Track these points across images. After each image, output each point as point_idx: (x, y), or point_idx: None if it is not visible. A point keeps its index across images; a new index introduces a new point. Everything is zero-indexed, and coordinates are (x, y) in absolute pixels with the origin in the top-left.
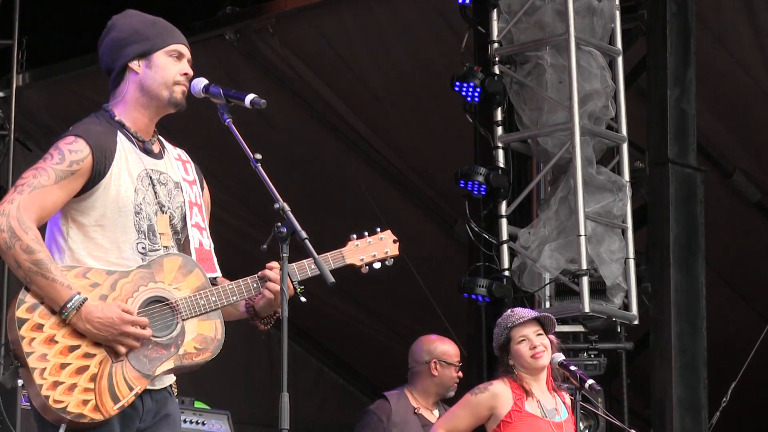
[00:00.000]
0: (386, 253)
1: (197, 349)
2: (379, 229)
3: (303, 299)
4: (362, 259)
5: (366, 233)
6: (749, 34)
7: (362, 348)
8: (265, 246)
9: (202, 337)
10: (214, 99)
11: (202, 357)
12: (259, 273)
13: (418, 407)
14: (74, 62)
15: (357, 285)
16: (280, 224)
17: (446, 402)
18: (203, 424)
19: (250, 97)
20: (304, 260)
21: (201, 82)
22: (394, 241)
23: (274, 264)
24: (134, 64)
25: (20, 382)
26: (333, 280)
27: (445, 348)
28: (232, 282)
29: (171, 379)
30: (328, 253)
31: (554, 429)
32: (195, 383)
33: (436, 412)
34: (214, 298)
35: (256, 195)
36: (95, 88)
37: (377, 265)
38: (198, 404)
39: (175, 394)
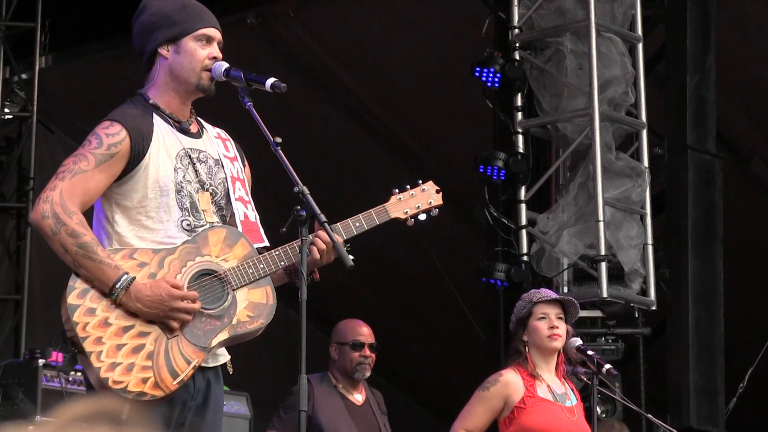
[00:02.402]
0: (430, 203)
1: (250, 317)
2: (420, 181)
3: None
4: (406, 212)
5: (408, 186)
6: None
7: (378, 331)
8: (284, 229)
9: (253, 304)
10: (234, 82)
11: (256, 324)
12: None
13: (339, 386)
14: (96, 45)
15: (374, 268)
16: (299, 207)
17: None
18: (223, 405)
19: (270, 80)
20: (349, 219)
21: (222, 66)
22: (437, 191)
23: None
24: (163, 50)
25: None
26: (352, 263)
27: (341, 329)
28: (279, 248)
29: (225, 357)
30: (371, 209)
31: (566, 413)
32: None
33: (358, 396)
34: (262, 266)
35: (275, 178)
36: (117, 71)
37: (422, 217)
38: None
39: (231, 372)
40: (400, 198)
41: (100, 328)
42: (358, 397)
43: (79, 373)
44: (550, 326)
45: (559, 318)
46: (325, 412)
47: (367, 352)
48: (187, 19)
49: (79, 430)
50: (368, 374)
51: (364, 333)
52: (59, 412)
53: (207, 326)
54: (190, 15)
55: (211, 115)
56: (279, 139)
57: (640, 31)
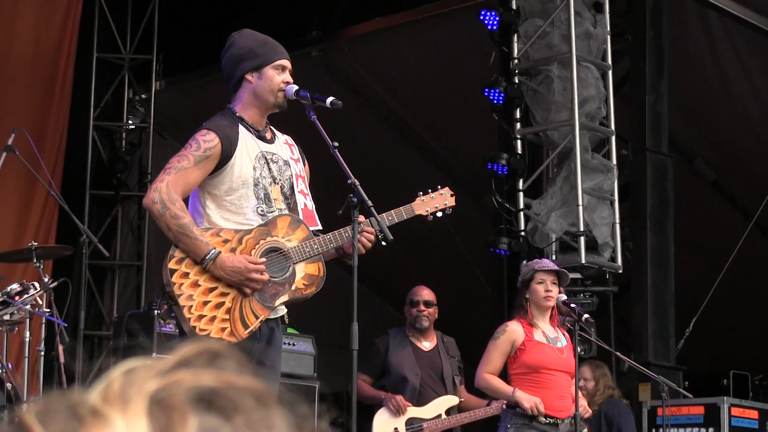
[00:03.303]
0: (445, 204)
1: (305, 285)
2: (439, 186)
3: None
4: (427, 210)
5: (429, 190)
6: (708, 54)
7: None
8: (340, 212)
9: (308, 275)
10: (302, 100)
11: (309, 290)
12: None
13: (410, 336)
14: (198, 73)
15: (408, 241)
16: (352, 195)
17: (425, 331)
18: (293, 345)
19: (330, 99)
20: (384, 213)
21: (293, 88)
22: (451, 195)
23: (363, 218)
24: (249, 76)
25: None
26: (392, 237)
27: (410, 293)
28: (329, 233)
29: (284, 310)
30: (401, 207)
31: (557, 352)
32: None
33: (426, 344)
34: (316, 246)
35: (332, 172)
36: (214, 92)
37: (439, 214)
38: (290, 330)
39: (287, 321)
40: (423, 199)
41: (192, 288)
42: (425, 344)
43: None
44: (546, 290)
45: (554, 283)
46: (396, 356)
47: (422, 307)
48: (268, 53)
49: (183, 370)
50: (426, 324)
51: (419, 293)
52: (169, 353)
53: (272, 290)
54: (270, 49)
55: (282, 124)
56: (336, 143)
57: (610, 61)
